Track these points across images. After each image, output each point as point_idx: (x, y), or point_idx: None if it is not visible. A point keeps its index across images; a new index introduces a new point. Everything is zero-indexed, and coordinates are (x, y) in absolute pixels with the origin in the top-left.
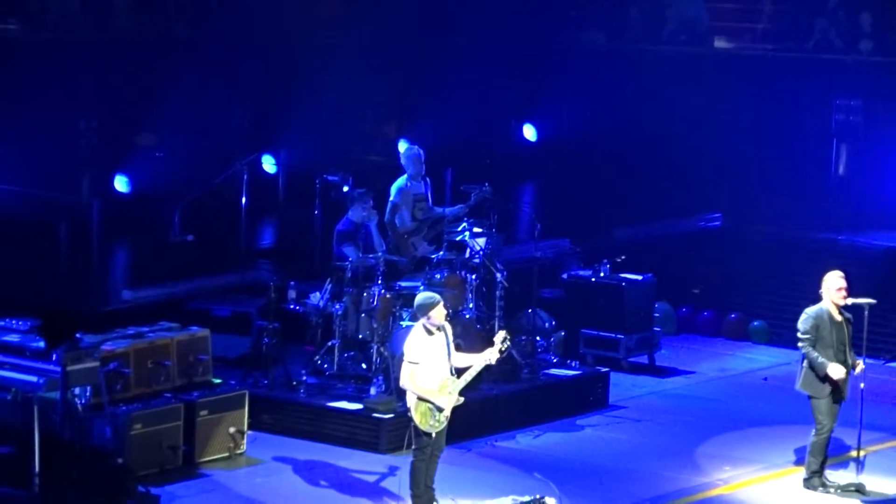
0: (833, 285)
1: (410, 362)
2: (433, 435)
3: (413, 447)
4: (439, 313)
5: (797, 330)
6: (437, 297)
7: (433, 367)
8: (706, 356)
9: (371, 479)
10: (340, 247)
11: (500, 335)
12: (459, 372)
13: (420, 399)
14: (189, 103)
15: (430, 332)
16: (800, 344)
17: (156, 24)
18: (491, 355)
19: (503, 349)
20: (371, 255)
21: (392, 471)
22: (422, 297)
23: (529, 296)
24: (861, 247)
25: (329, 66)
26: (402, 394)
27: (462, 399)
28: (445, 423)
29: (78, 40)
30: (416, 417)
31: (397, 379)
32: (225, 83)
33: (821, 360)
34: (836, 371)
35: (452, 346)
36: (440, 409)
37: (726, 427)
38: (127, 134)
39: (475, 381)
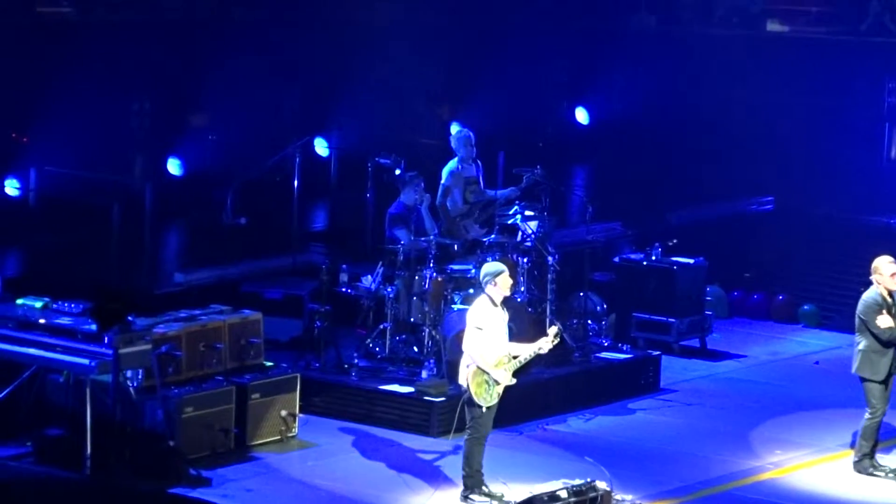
0: (887, 271)
1: (476, 328)
2: (484, 409)
3: (468, 423)
4: (505, 282)
5: (857, 317)
6: (504, 265)
7: (494, 340)
8: (757, 340)
9: (423, 461)
10: (392, 230)
11: (554, 329)
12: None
13: (479, 369)
14: (242, 85)
15: (494, 304)
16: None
17: (208, 5)
18: (543, 345)
19: (556, 341)
20: (423, 238)
21: (443, 454)
22: (490, 264)
23: (581, 279)
24: None
25: (381, 49)
26: (453, 376)
27: (515, 380)
28: (496, 403)
29: (130, 21)
30: (472, 387)
31: (449, 362)
32: (278, 65)
33: (884, 328)
34: (887, 321)
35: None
36: (496, 383)
37: (778, 411)
38: (180, 116)
39: (526, 367)
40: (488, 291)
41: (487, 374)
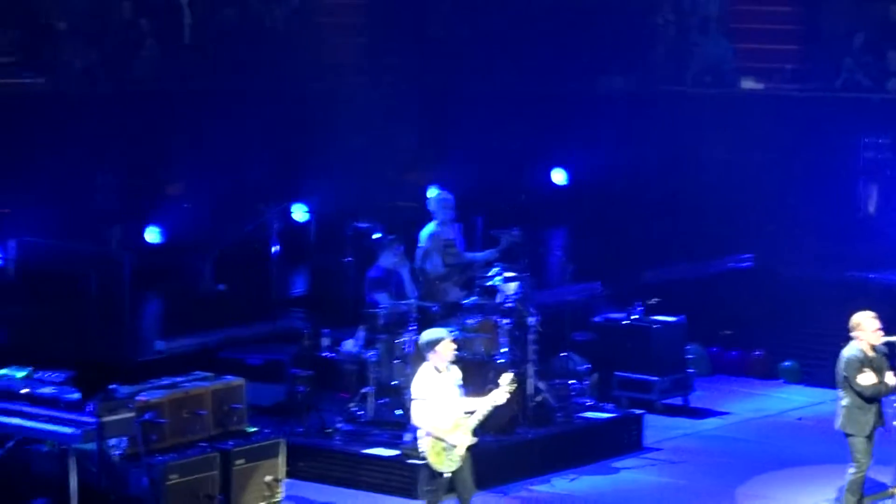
0: (869, 326)
1: (419, 399)
2: (446, 475)
3: (426, 489)
4: (446, 349)
5: (839, 374)
6: (444, 332)
7: (444, 405)
8: (740, 396)
9: None
10: (372, 294)
11: (507, 377)
12: (468, 414)
13: (434, 438)
14: (216, 153)
15: (438, 371)
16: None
17: (179, 75)
18: (498, 396)
19: (510, 390)
20: (403, 302)
21: None
22: (428, 333)
23: (562, 339)
24: (891, 285)
25: (357, 113)
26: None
27: (475, 439)
28: (463, 463)
29: (103, 92)
30: (431, 457)
31: None
32: (253, 131)
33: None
34: (869, 378)
35: (460, 387)
36: (454, 447)
37: (763, 468)
38: (156, 185)
39: (508, 426)
40: (431, 359)
41: (444, 441)
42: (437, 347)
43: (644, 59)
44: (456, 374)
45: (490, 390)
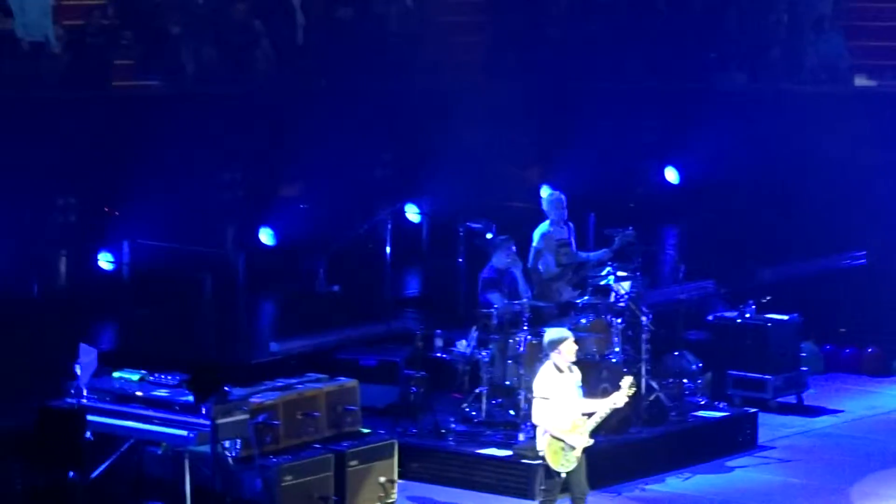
0: None
1: (542, 398)
2: (562, 475)
3: (541, 488)
4: (569, 349)
5: None
6: (568, 332)
7: (563, 405)
8: (854, 394)
9: None
10: (485, 294)
11: (627, 380)
12: (586, 416)
13: (552, 437)
14: (331, 154)
15: (560, 370)
16: None
17: (295, 74)
18: (617, 399)
19: (630, 394)
20: (516, 302)
21: None
22: (552, 332)
23: (675, 338)
24: None
25: (470, 113)
26: None
27: (592, 441)
28: (578, 464)
29: (218, 93)
30: (548, 456)
31: None
32: (367, 132)
33: None
34: None
35: (580, 388)
36: (572, 448)
37: (877, 465)
38: (271, 186)
39: (623, 426)
40: (553, 359)
41: (562, 441)
42: (561, 347)
43: (760, 57)
44: (577, 374)
45: (604, 391)
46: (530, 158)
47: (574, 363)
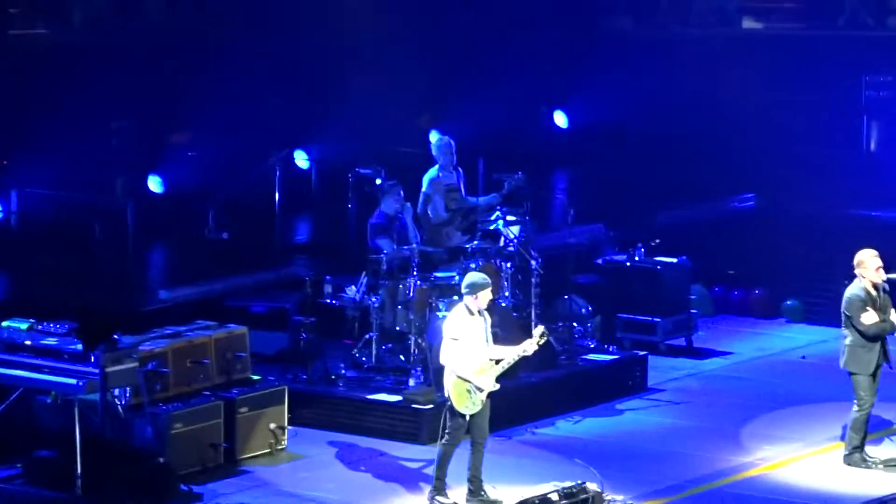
0: (871, 264)
1: (452, 339)
2: (467, 417)
3: (445, 430)
4: (486, 296)
5: (842, 313)
6: (489, 279)
7: (472, 348)
8: (742, 336)
9: (412, 469)
10: (375, 240)
11: (539, 329)
12: (493, 361)
13: (459, 378)
14: (220, 101)
15: (471, 313)
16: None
17: (184, 22)
18: (528, 347)
19: (541, 342)
20: (405, 247)
21: (432, 462)
22: (475, 275)
23: (565, 282)
24: (894, 222)
25: (359, 59)
26: (440, 384)
27: (498, 385)
28: (483, 408)
29: (106, 42)
30: (453, 397)
31: (436, 370)
32: (256, 79)
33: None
34: (871, 317)
35: (490, 334)
36: (479, 390)
37: (765, 407)
38: (159, 133)
39: (512, 370)
40: (466, 301)
41: (469, 382)
42: (479, 293)
43: (647, 1)
44: (488, 319)
45: (495, 335)
46: (420, 104)
47: None
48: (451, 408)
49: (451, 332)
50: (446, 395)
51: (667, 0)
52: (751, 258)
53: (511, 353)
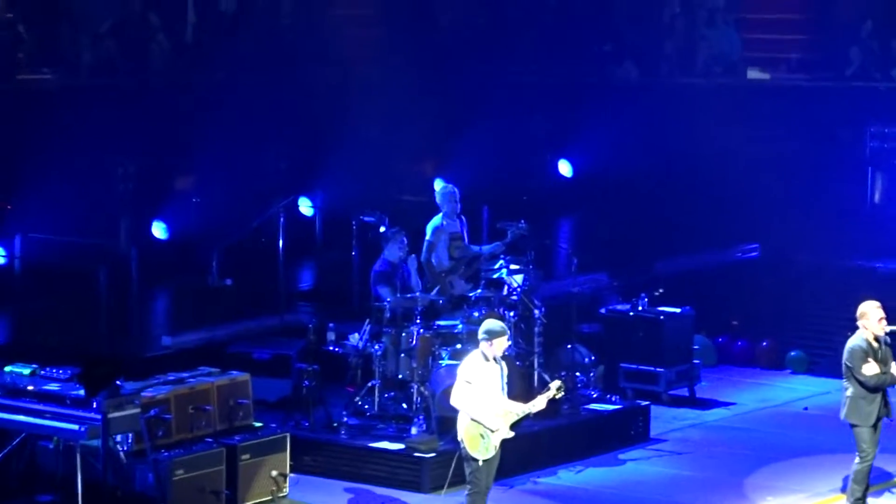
0: (874, 316)
1: (466, 382)
2: (481, 462)
3: (467, 478)
4: (501, 343)
5: (844, 364)
6: (506, 327)
7: (486, 393)
8: (746, 387)
9: None
10: (376, 287)
11: (556, 383)
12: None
13: (472, 421)
14: (225, 148)
15: (486, 359)
16: (848, 376)
17: (190, 68)
18: (538, 403)
19: (557, 396)
20: (409, 295)
21: None
22: (492, 322)
23: (568, 331)
24: None
25: (363, 107)
26: (443, 432)
27: (513, 433)
28: (495, 454)
29: (112, 86)
30: (467, 441)
31: (438, 418)
32: (260, 126)
33: (869, 375)
34: (872, 368)
35: (506, 383)
36: (491, 431)
37: (768, 458)
38: (163, 179)
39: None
40: (482, 347)
41: (482, 425)
42: (495, 340)
43: (653, 51)
44: (503, 368)
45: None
46: (424, 152)
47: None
48: (466, 453)
49: (465, 375)
50: (459, 439)
51: (672, 50)
52: (754, 309)
53: (522, 409)
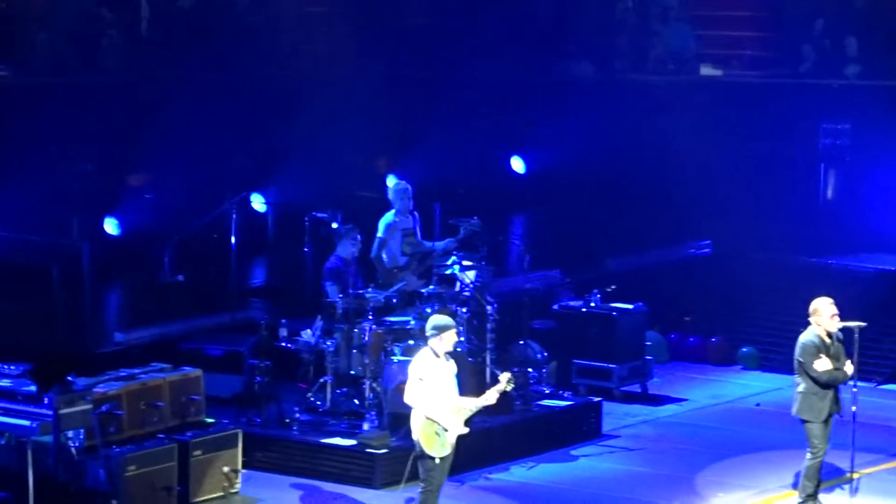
0: (826, 312)
1: (418, 379)
2: (437, 460)
3: (421, 476)
4: (451, 337)
5: (795, 359)
6: (453, 321)
7: (439, 390)
8: (698, 383)
9: None
10: (330, 283)
11: (506, 375)
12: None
13: (427, 419)
14: (177, 144)
15: (436, 355)
16: (800, 372)
17: (143, 66)
18: (489, 397)
19: (508, 388)
20: (361, 291)
21: None
22: (439, 317)
23: (521, 327)
24: (850, 270)
25: (317, 103)
26: (395, 429)
27: (467, 429)
28: (450, 453)
29: (64, 84)
30: (422, 439)
31: (390, 414)
32: (213, 123)
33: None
34: (824, 364)
35: (456, 380)
36: (445, 430)
37: (720, 453)
38: (116, 175)
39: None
40: (431, 344)
41: (436, 423)
42: (444, 334)
43: (606, 46)
44: (453, 365)
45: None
46: (377, 149)
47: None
48: (421, 452)
49: (417, 372)
50: (415, 438)
51: (626, 46)
52: (707, 305)
53: (473, 403)
